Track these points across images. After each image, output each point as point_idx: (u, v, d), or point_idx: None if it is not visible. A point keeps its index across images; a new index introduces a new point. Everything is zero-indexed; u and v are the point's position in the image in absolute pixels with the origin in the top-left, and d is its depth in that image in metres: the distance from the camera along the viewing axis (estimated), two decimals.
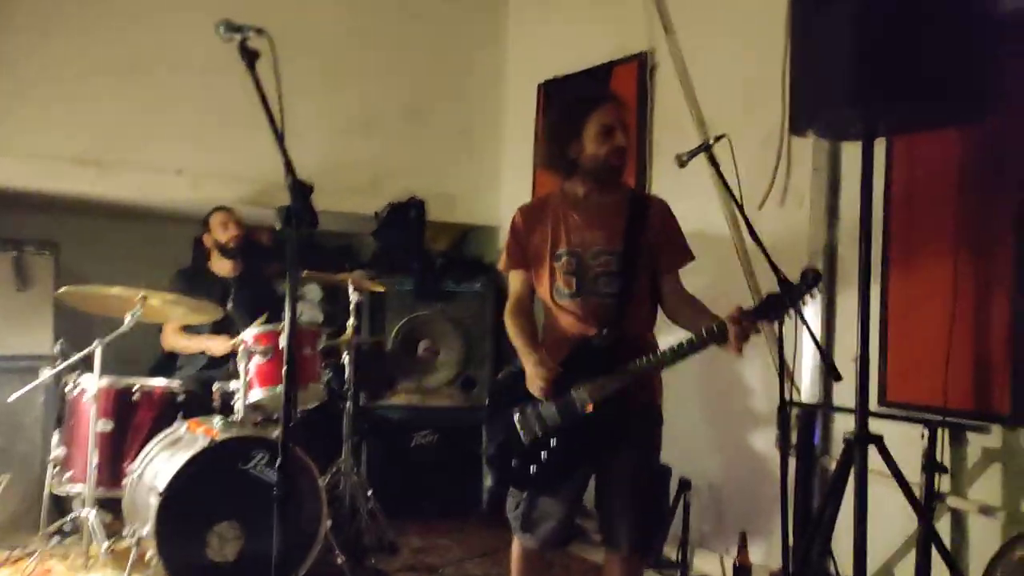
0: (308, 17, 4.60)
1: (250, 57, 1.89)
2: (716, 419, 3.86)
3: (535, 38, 5.12)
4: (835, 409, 3.32)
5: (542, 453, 2.53)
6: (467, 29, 5.21)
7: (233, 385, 3.55)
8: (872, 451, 2.63)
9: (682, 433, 3.16)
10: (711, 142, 2.63)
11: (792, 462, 3.25)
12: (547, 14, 5.01)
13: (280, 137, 1.86)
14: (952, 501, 2.89)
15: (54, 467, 3.50)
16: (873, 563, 2.72)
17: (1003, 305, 2.79)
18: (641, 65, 4.26)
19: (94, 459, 3.37)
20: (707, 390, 3.82)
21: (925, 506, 2.78)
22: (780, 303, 2.40)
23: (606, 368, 2.47)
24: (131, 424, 3.56)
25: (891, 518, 2.84)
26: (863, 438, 2.64)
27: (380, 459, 4.45)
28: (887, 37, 2.43)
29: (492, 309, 4.70)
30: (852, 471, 2.63)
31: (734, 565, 3.36)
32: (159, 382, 3.68)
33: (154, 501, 3.07)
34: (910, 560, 2.86)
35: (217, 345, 3.92)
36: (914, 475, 2.80)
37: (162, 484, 3.08)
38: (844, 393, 3.07)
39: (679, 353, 2.42)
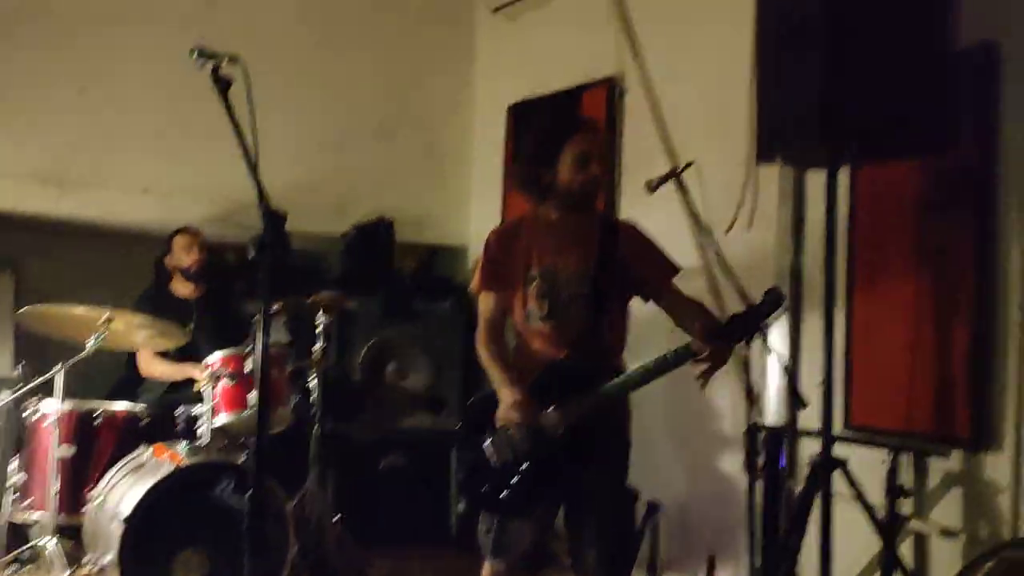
0: (275, 37, 4.60)
1: (223, 84, 1.88)
2: (684, 442, 3.89)
3: (504, 60, 5.15)
4: (801, 433, 3.36)
5: (513, 477, 2.54)
6: (436, 50, 5.24)
7: (198, 409, 3.51)
8: (838, 474, 2.68)
9: (651, 455, 3.18)
10: (679, 169, 2.67)
11: (760, 485, 3.28)
12: (517, 37, 5.05)
13: (254, 166, 1.86)
14: (914, 524, 2.94)
15: (13, 494, 3.43)
16: None
17: (963, 331, 2.85)
18: (610, 90, 4.30)
19: (55, 485, 3.30)
20: (675, 413, 3.85)
21: (888, 529, 2.82)
22: (745, 323, 2.43)
23: (576, 391, 2.49)
24: (93, 449, 3.50)
25: (855, 540, 2.87)
26: (827, 462, 2.69)
27: (347, 483, 4.41)
28: (851, 71, 2.50)
29: (461, 330, 4.69)
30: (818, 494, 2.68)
31: None
32: (122, 406, 3.63)
33: (117, 528, 3.02)
34: None
35: (199, 372, 3.83)
36: (879, 498, 2.85)
37: (126, 511, 3.03)
38: (810, 416, 3.12)
39: (648, 375, 2.45)
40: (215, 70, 1.90)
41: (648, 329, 2.85)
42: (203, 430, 3.43)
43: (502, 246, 2.69)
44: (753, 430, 3.19)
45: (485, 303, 2.70)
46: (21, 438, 3.56)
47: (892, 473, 2.90)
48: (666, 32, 4.08)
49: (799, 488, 2.97)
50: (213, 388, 3.46)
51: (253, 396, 3.42)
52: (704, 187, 2.69)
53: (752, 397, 2.97)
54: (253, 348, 3.58)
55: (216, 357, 3.50)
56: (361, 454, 4.51)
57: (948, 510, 2.89)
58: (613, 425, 2.58)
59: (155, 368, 3.99)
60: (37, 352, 3.75)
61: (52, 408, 3.35)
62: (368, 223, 4.84)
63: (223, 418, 3.46)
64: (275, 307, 4.85)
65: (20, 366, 3.70)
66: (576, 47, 4.56)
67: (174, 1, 4.48)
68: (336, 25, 4.92)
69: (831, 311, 2.77)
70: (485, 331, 2.67)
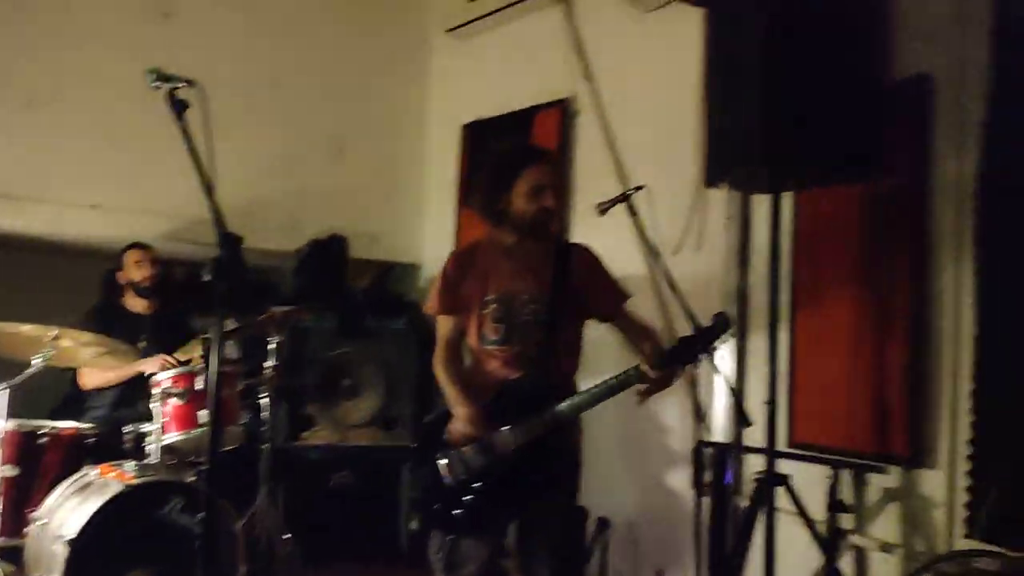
0: (228, 54, 4.59)
1: (179, 108, 1.89)
2: (634, 459, 3.95)
3: (459, 80, 5.20)
4: (746, 450, 3.44)
5: (466, 496, 2.57)
6: (391, 69, 5.26)
7: (147, 427, 3.47)
8: (782, 490, 2.76)
9: (601, 473, 3.23)
10: (629, 192, 2.74)
11: (707, 501, 3.35)
12: (471, 57, 5.10)
13: (209, 188, 1.87)
14: (855, 539, 3.03)
15: None
16: None
17: (900, 352, 2.95)
18: (563, 111, 4.37)
19: None
20: (625, 430, 3.91)
21: (829, 543, 2.91)
22: (692, 346, 2.51)
23: (529, 412, 2.53)
24: (37, 469, 3.42)
25: (798, 555, 2.95)
26: (771, 478, 2.77)
27: (298, 500, 4.38)
28: (790, 101, 2.59)
29: (414, 347, 4.70)
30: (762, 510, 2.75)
31: None
32: (68, 425, 3.57)
33: (61, 550, 2.97)
34: None
35: (150, 364, 3.76)
36: (820, 513, 2.93)
37: (71, 532, 2.98)
38: (756, 433, 3.20)
39: (598, 396, 2.51)
40: (171, 93, 1.90)
41: (601, 349, 2.92)
42: (152, 449, 3.39)
43: (459, 269, 2.73)
44: (700, 447, 3.27)
45: (443, 325, 2.75)
46: None
47: (833, 489, 2.99)
48: (618, 56, 4.17)
49: (745, 504, 3.04)
50: (162, 406, 3.42)
51: (203, 414, 3.39)
52: (654, 209, 2.77)
53: (700, 415, 3.04)
54: (200, 366, 3.55)
55: (166, 375, 3.47)
56: (312, 471, 4.49)
57: (886, 525, 2.98)
58: (564, 445, 2.63)
59: (101, 377, 3.91)
60: None
61: None
62: (321, 240, 4.84)
63: (172, 436, 3.42)
64: (228, 326, 4.84)
65: None
66: (530, 69, 4.63)
67: (126, 18, 4.45)
68: (290, 42, 4.92)
69: (775, 332, 2.86)
70: (442, 351, 2.72)
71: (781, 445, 3.15)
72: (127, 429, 3.52)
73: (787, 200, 3.24)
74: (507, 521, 2.65)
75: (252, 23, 4.81)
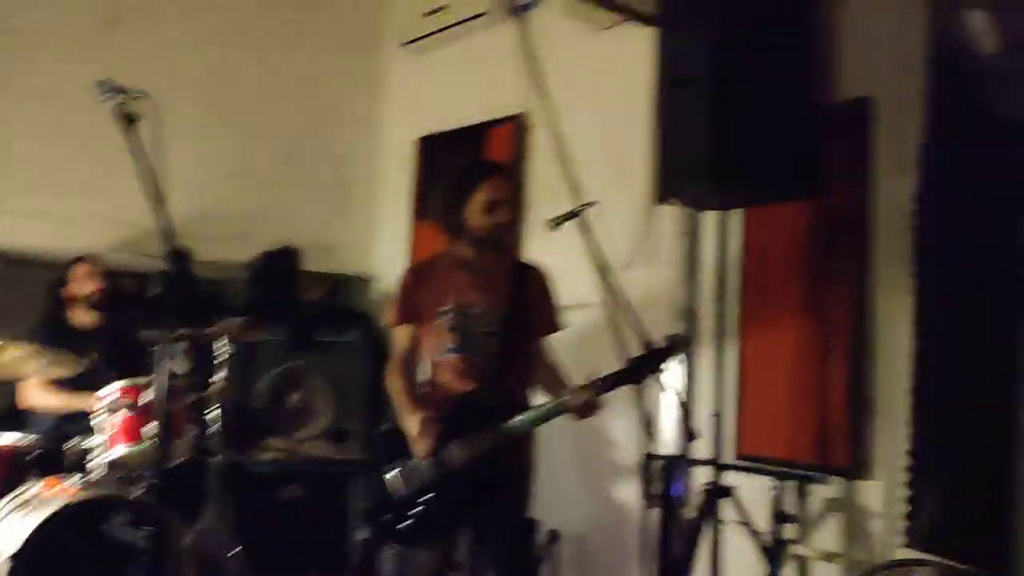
0: (182, 65, 4.55)
1: (129, 120, 1.88)
2: (585, 471, 3.98)
3: (414, 93, 5.21)
4: (694, 462, 3.49)
5: (417, 509, 2.58)
6: (345, 80, 5.26)
7: (91, 441, 3.41)
8: (727, 501, 2.82)
9: (553, 485, 3.26)
10: (581, 208, 2.78)
11: (655, 513, 3.40)
12: (426, 71, 5.11)
13: (159, 202, 1.86)
14: (798, 549, 3.10)
15: None
16: None
17: (842, 367, 3.04)
18: (517, 127, 4.41)
19: None
20: (576, 442, 3.94)
21: (773, 553, 2.97)
22: (640, 368, 2.55)
23: (482, 426, 2.56)
24: None
25: (744, 565, 3.01)
26: (716, 490, 2.83)
27: (248, 514, 4.33)
28: (737, 121, 2.67)
29: (366, 360, 4.69)
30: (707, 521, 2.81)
31: None
32: (10, 438, 3.49)
33: (3, 566, 2.90)
34: None
35: (92, 402, 3.69)
36: (765, 524, 2.99)
37: (12, 548, 2.92)
38: (705, 446, 3.26)
39: (545, 415, 2.55)
40: (121, 105, 1.89)
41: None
42: (97, 463, 3.33)
43: (417, 281, 2.76)
44: (649, 460, 3.31)
45: (398, 336, 2.77)
46: None
47: (777, 500, 3.05)
48: (572, 73, 4.20)
49: (691, 515, 3.10)
50: (108, 419, 3.37)
51: (150, 428, 3.34)
52: (606, 224, 2.81)
53: (648, 428, 3.08)
54: (151, 379, 3.50)
55: (112, 388, 3.41)
56: (262, 485, 4.44)
57: (829, 535, 3.06)
58: (516, 458, 2.66)
59: (45, 400, 3.84)
60: None
61: None
62: (274, 251, 4.80)
63: (118, 451, 3.37)
64: (177, 337, 4.77)
65: None
66: (484, 83, 4.66)
67: (77, 27, 4.39)
68: (244, 53, 4.89)
69: (722, 347, 2.92)
70: (396, 363, 2.74)
71: (729, 457, 3.22)
72: (71, 443, 3.46)
73: (737, 217, 3.33)
74: (457, 533, 2.66)
75: (204, 33, 4.77)
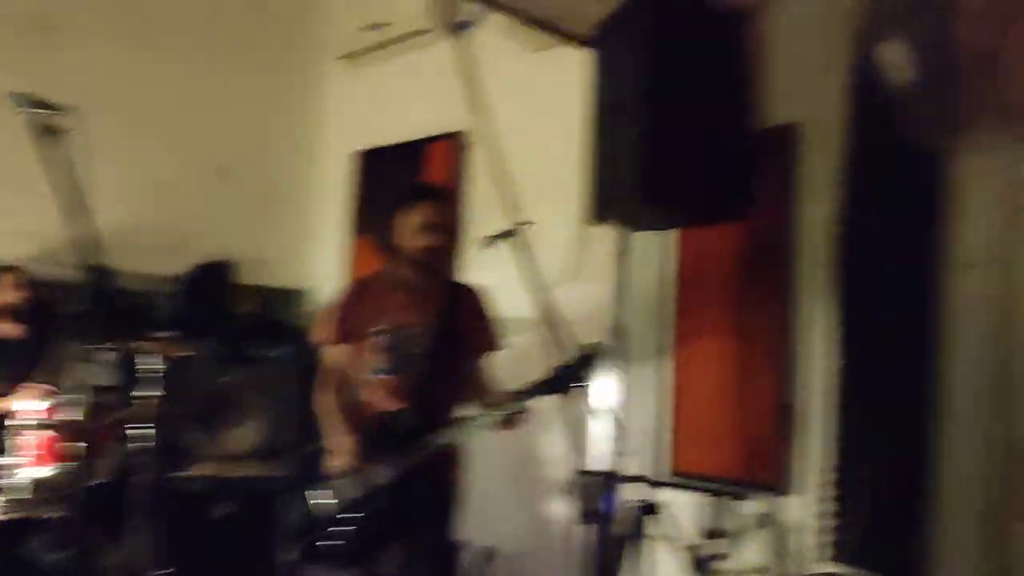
0: (111, 75, 4.45)
1: (48, 133, 1.82)
2: (517, 488, 3.98)
3: (350, 107, 5.19)
4: (627, 479, 3.53)
5: (341, 527, 2.55)
6: (280, 93, 5.22)
7: (6, 461, 3.30)
8: (659, 516, 2.86)
9: (486, 503, 3.26)
10: (516, 228, 2.80)
11: (588, 529, 3.42)
12: (364, 85, 5.10)
13: (81, 214, 1.81)
14: (728, 563, 3.15)
15: None
16: None
17: (770, 384, 3.11)
18: (456, 144, 4.42)
19: None
20: (508, 459, 3.94)
21: (704, 567, 3.02)
22: (561, 378, 2.58)
23: (408, 444, 2.55)
24: None
25: None
26: (643, 507, 2.87)
27: (179, 533, 4.22)
28: (668, 144, 2.72)
29: (298, 376, 4.61)
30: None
31: None
32: None
33: None
34: None
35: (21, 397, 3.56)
36: (697, 538, 3.04)
37: None
38: (639, 463, 3.30)
39: (468, 430, 2.56)
40: (39, 118, 1.83)
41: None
42: (15, 483, 3.22)
43: (352, 299, 2.76)
44: (581, 476, 3.33)
45: (329, 354, 2.75)
46: None
47: (707, 516, 3.11)
48: (509, 92, 4.23)
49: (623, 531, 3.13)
50: (26, 438, 3.26)
51: (71, 446, 3.25)
52: (542, 243, 2.84)
53: (579, 445, 3.10)
54: (72, 395, 3.41)
55: (31, 405, 3.31)
56: (192, 503, 4.34)
57: (756, 549, 3.11)
58: (441, 478, 2.66)
59: None
60: None
61: None
62: (206, 264, 4.72)
63: (38, 471, 3.26)
64: (102, 350, 4.65)
65: None
66: (423, 100, 4.66)
67: (4, 35, 4.27)
68: (178, 65, 4.81)
69: (657, 365, 2.96)
70: (326, 381, 2.71)
71: (663, 474, 3.27)
72: None
73: (671, 238, 3.38)
74: (382, 553, 2.65)
75: (137, 44, 4.68)
